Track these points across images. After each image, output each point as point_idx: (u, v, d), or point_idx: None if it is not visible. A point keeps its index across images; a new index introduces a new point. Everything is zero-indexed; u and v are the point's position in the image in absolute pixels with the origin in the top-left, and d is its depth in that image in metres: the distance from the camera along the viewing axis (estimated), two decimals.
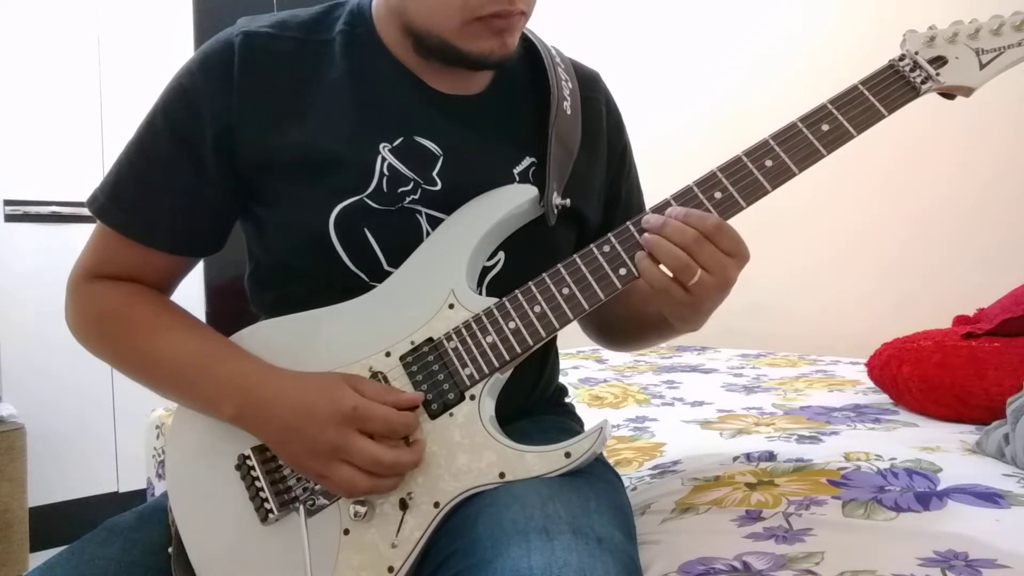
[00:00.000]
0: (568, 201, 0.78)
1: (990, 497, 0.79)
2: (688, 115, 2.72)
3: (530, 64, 0.85)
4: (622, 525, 0.67)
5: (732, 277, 0.67)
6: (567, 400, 0.96)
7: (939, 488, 0.83)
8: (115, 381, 2.51)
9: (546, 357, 0.88)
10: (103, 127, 2.52)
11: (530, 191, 0.76)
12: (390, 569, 0.65)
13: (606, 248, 0.71)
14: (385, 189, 0.75)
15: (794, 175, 0.70)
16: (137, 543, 0.73)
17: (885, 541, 0.71)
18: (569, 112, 0.82)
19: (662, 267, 0.68)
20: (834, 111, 0.71)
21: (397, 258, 0.75)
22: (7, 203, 2.37)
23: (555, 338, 0.84)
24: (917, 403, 1.28)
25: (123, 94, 2.53)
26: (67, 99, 2.46)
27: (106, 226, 0.78)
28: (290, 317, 0.75)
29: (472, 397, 0.69)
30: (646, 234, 0.68)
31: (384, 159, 0.75)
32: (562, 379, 0.98)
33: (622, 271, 0.70)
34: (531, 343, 0.70)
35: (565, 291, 0.70)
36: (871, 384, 1.45)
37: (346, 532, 0.67)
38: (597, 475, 0.72)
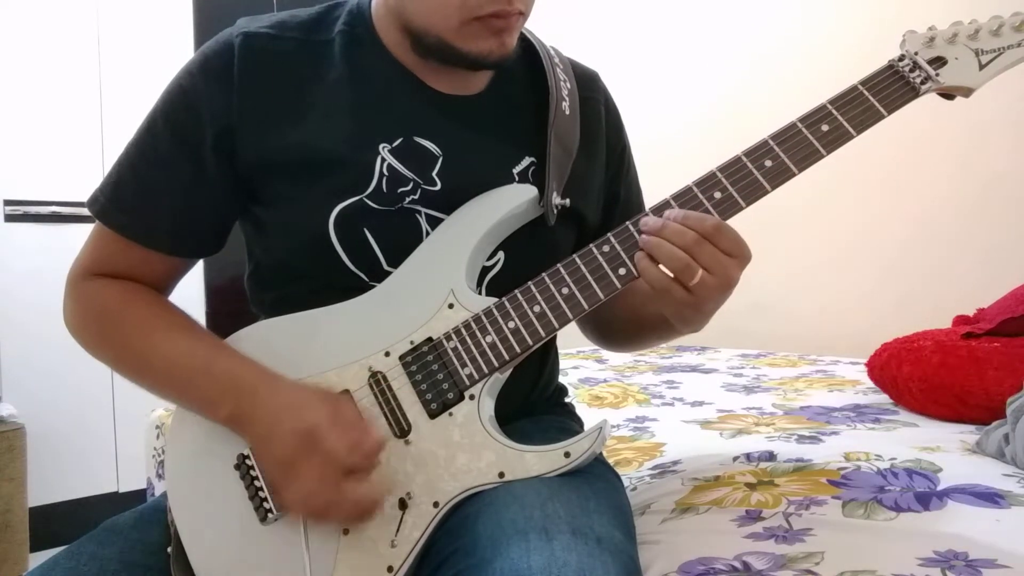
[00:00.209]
0: (568, 201, 0.78)
1: (990, 497, 0.79)
2: (688, 115, 2.72)
3: (529, 64, 0.85)
4: (622, 525, 0.67)
5: (734, 277, 0.67)
6: (567, 400, 0.96)
7: (939, 488, 0.83)
8: (115, 381, 2.51)
9: (546, 357, 0.88)
10: (103, 127, 2.52)
11: (530, 191, 0.76)
12: (389, 569, 0.65)
13: (606, 248, 0.71)
14: (385, 189, 0.75)
15: (794, 175, 0.70)
16: (137, 543, 0.73)
17: (885, 541, 0.71)
18: (568, 112, 0.82)
19: (662, 267, 0.68)
20: (833, 111, 0.71)
21: (397, 258, 0.75)
22: (7, 203, 2.37)
23: (555, 338, 0.84)
24: (917, 403, 1.28)
25: (123, 94, 2.53)
26: (67, 99, 2.46)
27: (106, 227, 0.78)
28: (289, 317, 0.75)
29: (471, 397, 0.69)
30: (645, 236, 0.68)
31: (384, 159, 0.75)
32: (562, 379, 0.98)
33: (622, 271, 0.70)
34: (530, 343, 0.70)
35: (565, 291, 0.70)
36: (871, 384, 1.45)
37: (345, 532, 0.67)
38: (597, 475, 0.72)
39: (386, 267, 0.75)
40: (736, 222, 0.69)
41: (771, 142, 0.71)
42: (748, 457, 0.97)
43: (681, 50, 2.77)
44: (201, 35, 2.64)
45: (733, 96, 2.57)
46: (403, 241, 0.75)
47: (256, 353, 0.73)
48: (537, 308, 0.70)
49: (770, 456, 0.97)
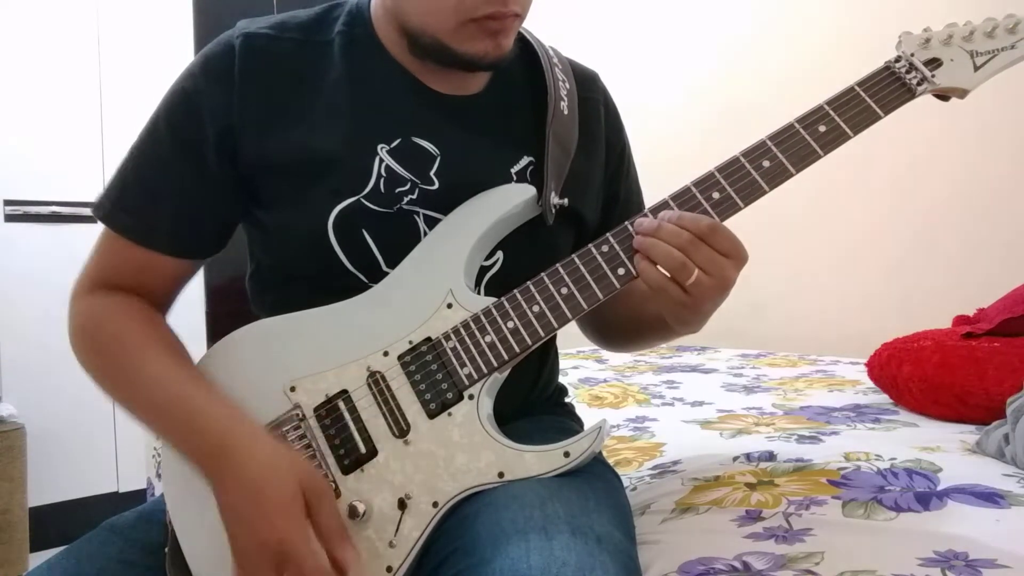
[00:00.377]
0: (566, 201, 0.78)
1: (990, 497, 0.79)
2: (687, 115, 2.72)
3: (528, 64, 0.85)
4: (621, 525, 0.67)
5: (730, 278, 0.67)
6: (567, 400, 0.96)
7: (939, 488, 0.83)
8: None
9: (545, 357, 0.88)
10: (103, 127, 2.52)
11: (528, 190, 0.76)
12: (388, 569, 0.65)
13: (604, 248, 0.71)
14: (383, 190, 0.75)
15: (791, 175, 0.71)
16: (136, 543, 0.73)
17: (885, 541, 0.71)
18: (566, 112, 0.82)
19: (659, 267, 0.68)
20: (831, 112, 0.71)
21: (395, 259, 0.75)
22: (7, 203, 2.38)
23: (554, 338, 0.84)
24: (917, 403, 1.28)
25: (123, 94, 2.53)
26: (67, 99, 2.47)
27: (112, 232, 0.77)
28: (287, 316, 0.75)
29: (471, 397, 0.69)
30: (640, 236, 0.68)
31: (382, 160, 0.75)
32: (562, 379, 0.98)
33: (620, 271, 0.70)
34: (530, 343, 0.70)
35: (564, 291, 0.70)
36: (871, 384, 1.45)
37: None
38: (596, 475, 0.72)
39: (385, 268, 0.75)
40: (736, 223, 0.69)
41: (769, 143, 0.71)
42: (748, 457, 0.97)
43: (682, 50, 2.77)
44: (201, 35, 2.65)
45: (733, 96, 2.57)
46: (401, 242, 0.75)
47: (255, 353, 0.73)
48: (536, 308, 0.70)
49: (770, 456, 0.97)
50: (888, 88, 0.72)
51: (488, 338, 0.70)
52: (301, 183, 0.75)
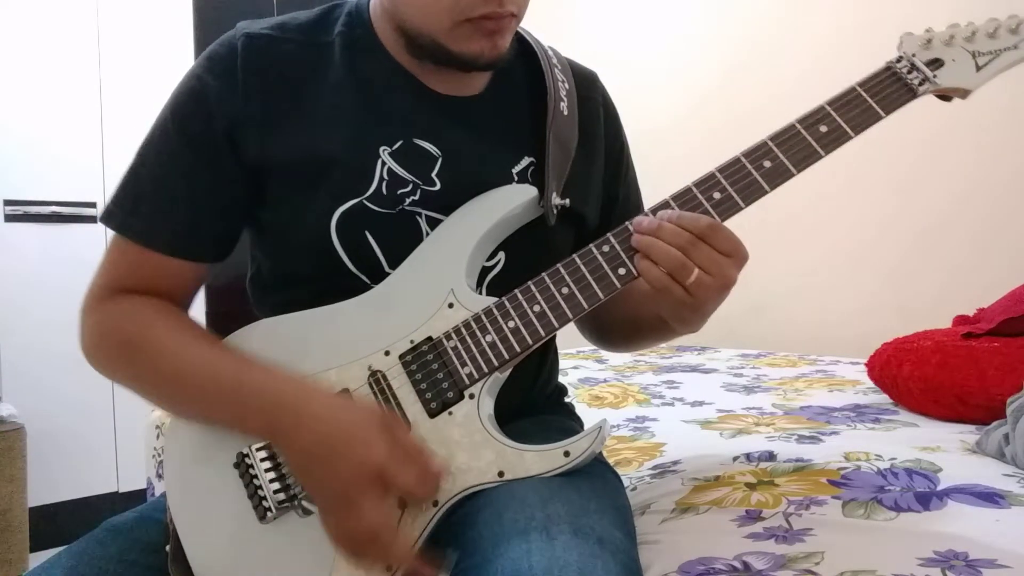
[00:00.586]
0: (567, 201, 0.78)
1: (990, 497, 0.79)
2: (687, 115, 2.72)
3: (527, 65, 0.85)
4: (622, 525, 0.67)
5: (731, 277, 0.67)
6: (567, 400, 0.96)
7: (939, 488, 0.83)
8: None
9: (545, 357, 0.89)
10: (103, 127, 2.52)
11: (529, 191, 0.76)
12: (388, 568, 0.65)
13: (605, 248, 0.71)
14: (385, 192, 0.75)
15: (792, 176, 0.71)
16: (137, 543, 0.73)
17: (885, 541, 0.71)
18: (566, 112, 0.82)
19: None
20: (832, 112, 0.71)
21: (398, 260, 0.75)
22: (7, 203, 2.38)
23: (555, 338, 0.84)
24: (917, 403, 1.28)
25: (123, 94, 2.53)
26: (67, 99, 2.47)
27: (124, 238, 0.76)
28: (289, 316, 0.75)
29: (471, 396, 0.69)
30: (639, 236, 0.68)
31: (384, 163, 0.75)
32: (562, 379, 0.98)
33: (621, 271, 0.70)
34: (530, 342, 0.70)
35: (565, 291, 0.70)
36: (871, 384, 1.45)
37: None
38: (597, 475, 0.72)
39: (387, 269, 0.75)
40: (737, 223, 0.69)
41: (770, 143, 0.71)
42: (748, 457, 0.97)
43: (682, 50, 2.77)
44: (201, 35, 2.65)
45: (733, 97, 2.57)
46: (404, 243, 0.75)
47: (256, 352, 0.73)
48: (537, 308, 0.70)
49: (770, 456, 0.97)
50: (889, 88, 0.72)
51: (489, 337, 0.70)
52: (303, 185, 0.75)
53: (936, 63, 0.73)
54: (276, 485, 0.69)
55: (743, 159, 0.71)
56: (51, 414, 2.39)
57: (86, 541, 0.72)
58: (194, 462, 0.74)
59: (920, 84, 0.72)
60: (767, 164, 0.70)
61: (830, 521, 0.75)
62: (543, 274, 0.71)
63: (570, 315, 0.70)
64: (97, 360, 0.76)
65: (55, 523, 2.34)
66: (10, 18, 2.37)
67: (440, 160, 0.77)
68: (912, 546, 0.68)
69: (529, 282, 0.71)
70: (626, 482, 0.92)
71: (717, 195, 0.70)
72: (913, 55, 0.73)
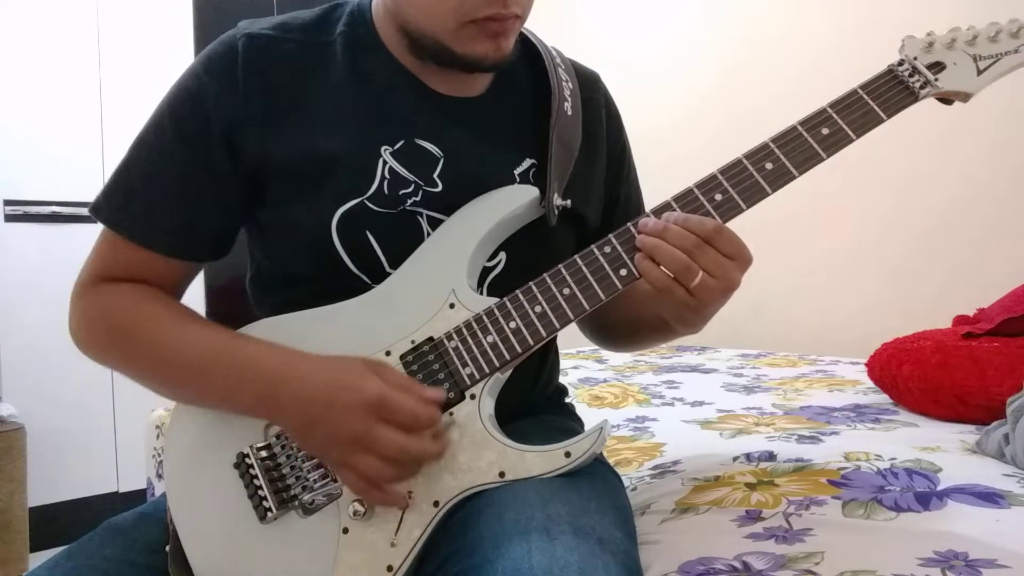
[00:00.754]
0: (569, 202, 0.78)
1: (990, 497, 0.79)
2: (687, 116, 2.72)
3: (531, 65, 0.85)
4: (623, 525, 0.67)
5: (735, 280, 0.68)
6: (567, 400, 0.96)
7: (939, 488, 0.83)
8: (115, 381, 2.51)
9: (546, 357, 0.89)
10: (103, 127, 2.52)
11: (531, 192, 0.76)
12: (389, 568, 0.65)
13: (607, 249, 0.71)
14: (386, 192, 0.75)
15: (794, 178, 0.71)
16: (137, 543, 0.73)
17: (885, 541, 0.71)
18: (570, 113, 0.82)
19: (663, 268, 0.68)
20: (833, 115, 0.71)
21: (399, 261, 0.75)
22: (7, 203, 2.38)
23: (555, 338, 0.84)
24: (917, 403, 1.28)
25: (123, 94, 2.53)
26: (67, 99, 2.47)
27: (113, 232, 0.76)
28: (289, 316, 0.75)
29: (472, 396, 0.69)
30: (644, 237, 0.68)
31: (385, 163, 0.75)
32: (562, 379, 0.98)
33: (623, 271, 0.70)
34: (532, 343, 0.70)
35: (566, 291, 0.70)
36: (871, 384, 1.45)
37: (345, 531, 0.67)
38: (597, 475, 0.72)
39: (388, 269, 0.75)
40: (738, 224, 0.69)
41: (771, 145, 0.71)
42: (748, 457, 0.97)
43: (682, 51, 2.77)
44: (201, 35, 2.65)
45: (734, 98, 2.57)
46: (405, 243, 0.75)
47: None
48: (538, 308, 0.70)
49: (770, 456, 0.97)
50: (891, 91, 0.72)
51: (490, 338, 0.70)
52: (304, 184, 0.75)
53: (937, 66, 0.73)
54: (276, 485, 0.69)
55: (744, 160, 0.71)
56: (51, 414, 2.39)
57: (86, 541, 0.72)
58: (194, 462, 0.74)
59: (921, 87, 0.72)
60: (768, 166, 0.70)
61: (830, 521, 0.75)
62: (544, 274, 0.71)
63: (571, 315, 0.70)
64: (86, 344, 0.77)
65: (55, 523, 2.34)
66: (10, 18, 2.37)
67: (442, 161, 0.77)
68: (912, 546, 0.68)
69: (530, 282, 0.71)
70: (626, 482, 0.92)
71: (719, 196, 0.70)
72: (915, 58, 0.73)
